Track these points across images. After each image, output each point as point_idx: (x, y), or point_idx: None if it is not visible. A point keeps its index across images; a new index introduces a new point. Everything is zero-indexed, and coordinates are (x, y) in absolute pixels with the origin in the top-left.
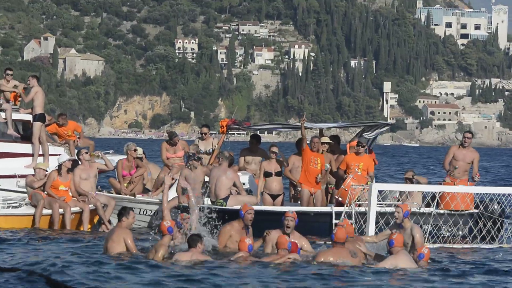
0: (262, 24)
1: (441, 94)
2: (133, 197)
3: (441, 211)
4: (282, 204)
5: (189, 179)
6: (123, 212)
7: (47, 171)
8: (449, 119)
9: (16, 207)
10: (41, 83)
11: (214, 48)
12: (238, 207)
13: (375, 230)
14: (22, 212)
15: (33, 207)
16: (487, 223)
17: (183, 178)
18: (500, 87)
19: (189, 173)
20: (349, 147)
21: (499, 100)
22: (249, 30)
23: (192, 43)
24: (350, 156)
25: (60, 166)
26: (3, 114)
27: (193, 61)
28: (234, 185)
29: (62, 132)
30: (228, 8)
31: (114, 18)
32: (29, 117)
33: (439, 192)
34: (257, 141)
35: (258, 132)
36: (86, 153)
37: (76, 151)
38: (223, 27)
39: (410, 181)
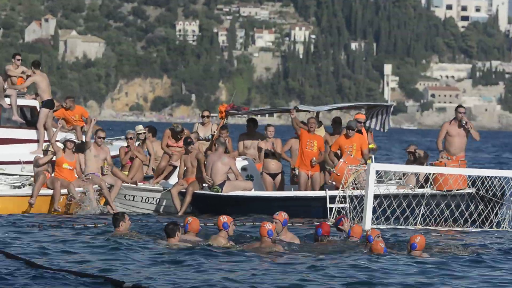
0: (263, 6)
1: (441, 76)
2: (135, 185)
3: (435, 191)
4: (282, 183)
5: (187, 162)
6: (118, 218)
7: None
8: (450, 102)
9: (19, 187)
10: (42, 68)
11: (215, 30)
12: (234, 193)
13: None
14: (25, 193)
15: None
16: (480, 204)
17: (182, 162)
18: (501, 70)
19: (186, 158)
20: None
21: (500, 82)
22: (250, 12)
23: (193, 25)
24: (341, 138)
25: (64, 144)
26: (8, 100)
27: (193, 43)
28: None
29: (69, 116)
30: None
31: (115, 0)
32: (35, 103)
33: (433, 174)
34: (254, 124)
35: (259, 116)
36: (103, 131)
37: (83, 136)
38: (224, 9)
39: (413, 154)
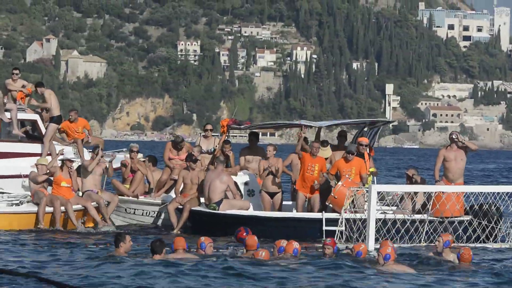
0: (264, 26)
1: (443, 96)
2: (135, 198)
3: (433, 218)
4: (281, 203)
5: (186, 179)
6: (119, 238)
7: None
8: (452, 122)
9: (18, 204)
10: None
11: (217, 50)
12: (231, 212)
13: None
14: (24, 210)
15: (35, 205)
16: (478, 228)
17: (181, 178)
18: (503, 89)
19: (186, 174)
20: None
21: (502, 102)
22: (251, 32)
23: (194, 45)
24: (340, 161)
25: (62, 162)
26: (8, 114)
27: (195, 63)
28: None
29: (72, 129)
30: (230, 10)
31: (116, 20)
32: (35, 117)
33: (432, 196)
34: (256, 138)
35: (261, 134)
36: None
37: (84, 149)
38: (225, 29)
39: (410, 178)
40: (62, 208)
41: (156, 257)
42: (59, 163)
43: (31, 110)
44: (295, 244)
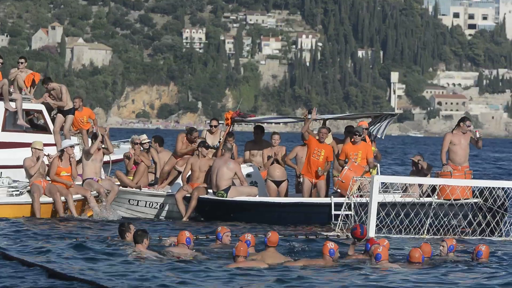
0: (270, 14)
1: (448, 84)
2: (138, 190)
3: (441, 201)
4: (286, 190)
5: (194, 166)
6: (123, 229)
7: (42, 150)
8: (457, 110)
9: (18, 195)
10: (49, 75)
11: (222, 38)
12: (238, 198)
13: (377, 222)
14: (24, 201)
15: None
16: (488, 215)
17: (189, 165)
18: (508, 78)
19: (195, 161)
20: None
21: (507, 90)
22: (257, 20)
23: (200, 32)
24: (347, 145)
25: (62, 151)
26: (13, 104)
27: (200, 51)
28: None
29: (77, 118)
30: None
31: (122, 7)
32: (41, 107)
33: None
34: (261, 131)
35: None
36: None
37: (89, 140)
38: (231, 17)
39: (416, 164)
40: (63, 198)
41: (138, 246)
42: (58, 153)
43: (36, 99)
44: (330, 245)
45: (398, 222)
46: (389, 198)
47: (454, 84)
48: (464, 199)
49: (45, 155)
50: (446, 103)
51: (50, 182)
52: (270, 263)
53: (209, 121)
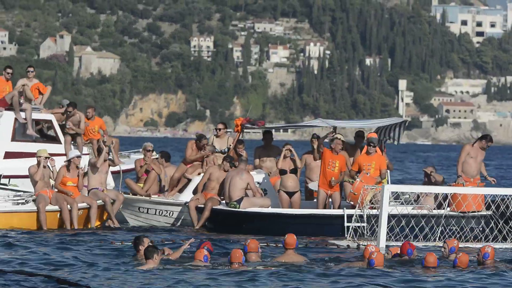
0: (278, 22)
1: (456, 92)
2: (148, 198)
3: (453, 213)
4: (299, 202)
5: (213, 176)
6: (138, 242)
7: (48, 157)
8: (465, 117)
9: (23, 203)
10: (56, 84)
11: (230, 46)
12: (251, 209)
13: (387, 231)
14: (29, 209)
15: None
16: (499, 224)
17: (207, 174)
18: None
19: (215, 171)
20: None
21: None
22: (265, 28)
23: (208, 41)
24: (361, 156)
25: (69, 161)
26: (23, 114)
27: (208, 59)
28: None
29: (89, 128)
30: (243, 5)
31: (130, 16)
32: (50, 117)
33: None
34: (270, 136)
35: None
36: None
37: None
38: (239, 25)
39: (428, 176)
40: (68, 207)
41: (149, 262)
42: (64, 163)
43: (46, 110)
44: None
45: (408, 232)
46: (400, 209)
47: (462, 92)
48: (477, 211)
49: (46, 157)
50: (454, 111)
51: (56, 191)
52: (291, 262)
53: (216, 128)
